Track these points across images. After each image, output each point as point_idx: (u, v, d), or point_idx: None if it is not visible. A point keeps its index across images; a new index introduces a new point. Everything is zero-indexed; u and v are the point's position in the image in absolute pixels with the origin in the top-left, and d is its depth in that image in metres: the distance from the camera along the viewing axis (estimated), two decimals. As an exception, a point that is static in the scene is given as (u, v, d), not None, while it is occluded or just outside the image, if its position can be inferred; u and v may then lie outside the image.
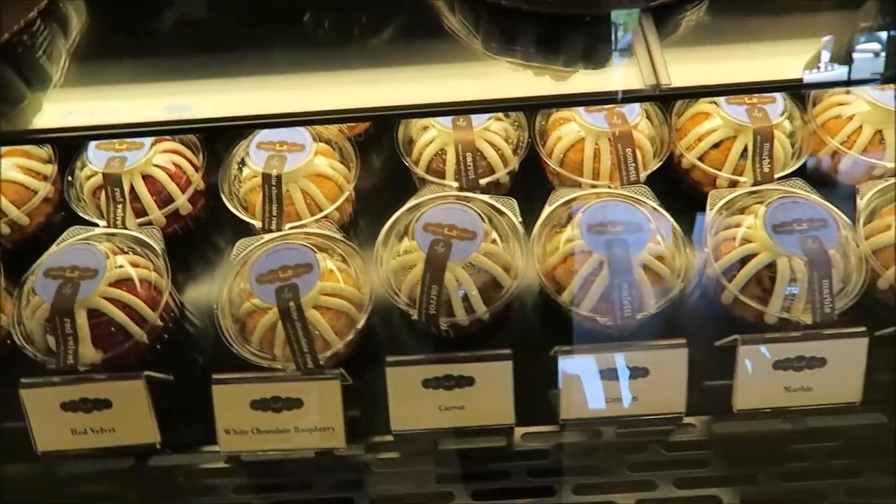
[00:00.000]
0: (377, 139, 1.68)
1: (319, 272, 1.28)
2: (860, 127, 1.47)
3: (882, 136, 1.46)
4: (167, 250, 1.52)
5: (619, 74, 1.09)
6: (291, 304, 1.25)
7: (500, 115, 1.55)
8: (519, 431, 1.33)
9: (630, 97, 1.19)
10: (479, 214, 1.33)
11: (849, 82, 1.10)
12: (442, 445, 1.33)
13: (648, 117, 1.54)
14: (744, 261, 1.30)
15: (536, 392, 1.33)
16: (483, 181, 1.47)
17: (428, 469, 1.32)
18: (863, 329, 1.25)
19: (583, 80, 1.09)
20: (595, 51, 1.13)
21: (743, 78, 1.09)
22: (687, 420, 1.31)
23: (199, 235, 1.60)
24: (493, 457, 1.32)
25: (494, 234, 1.35)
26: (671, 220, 1.37)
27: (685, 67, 1.10)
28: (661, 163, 1.48)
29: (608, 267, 1.25)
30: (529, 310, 1.46)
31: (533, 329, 1.43)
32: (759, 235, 1.28)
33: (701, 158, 1.48)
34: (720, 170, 1.46)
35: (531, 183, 1.58)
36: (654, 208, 1.37)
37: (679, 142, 1.51)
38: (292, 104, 1.03)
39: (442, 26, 1.12)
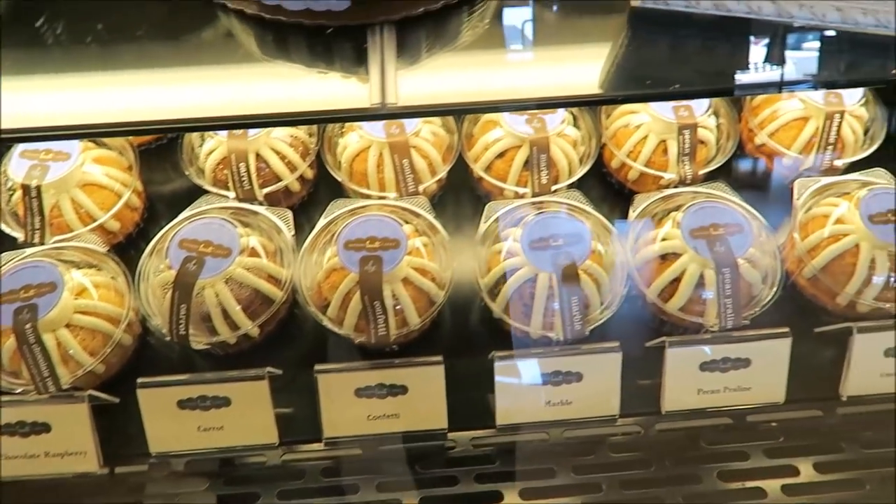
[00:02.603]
0: (173, 147, 1.60)
1: (64, 290, 1.23)
2: (646, 137, 1.47)
3: (665, 147, 1.46)
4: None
5: (350, 91, 1.06)
6: (28, 325, 1.19)
7: (289, 121, 1.51)
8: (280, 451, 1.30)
9: (354, 116, 1.17)
10: (236, 226, 1.29)
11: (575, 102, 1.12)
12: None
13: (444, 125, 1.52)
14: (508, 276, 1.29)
15: (298, 409, 1.31)
16: (265, 190, 1.43)
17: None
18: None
19: (313, 97, 1.06)
20: (332, 66, 1.09)
21: (481, 97, 1.07)
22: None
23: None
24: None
25: (259, 247, 1.31)
26: (443, 233, 1.35)
27: (425, 82, 1.08)
28: (445, 171, 1.47)
29: (360, 287, 1.22)
30: (308, 328, 1.42)
31: (301, 348, 1.40)
32: (518, 249, 1.27)
33: (490, 167, 1.47)
34: (506, 180, 1.45)
35: (337, 193, 1.54)
36: (428, 221, 1.36)
37: (468, 151, 1.49)
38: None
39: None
